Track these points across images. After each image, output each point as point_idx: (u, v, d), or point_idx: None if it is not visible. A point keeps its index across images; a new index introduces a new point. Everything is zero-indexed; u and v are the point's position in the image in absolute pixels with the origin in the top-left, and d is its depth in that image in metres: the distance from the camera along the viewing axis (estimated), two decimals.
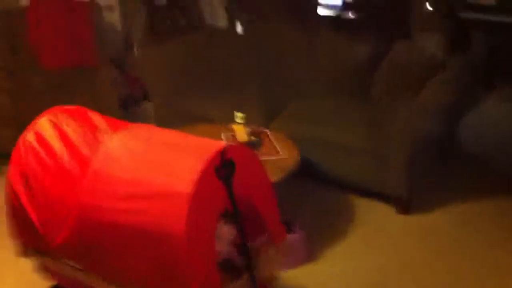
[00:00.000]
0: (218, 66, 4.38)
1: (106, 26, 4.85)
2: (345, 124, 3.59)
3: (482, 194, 3.62)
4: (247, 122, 3.28)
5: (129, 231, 2.02)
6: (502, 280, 2.87)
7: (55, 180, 2.21)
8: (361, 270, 2.93)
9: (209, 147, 2.13)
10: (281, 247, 2.42)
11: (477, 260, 2.99)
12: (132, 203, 2.02)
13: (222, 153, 2.07)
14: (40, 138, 2.29)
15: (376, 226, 3.31)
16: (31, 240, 2.35)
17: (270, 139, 3.32)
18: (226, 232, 2.21)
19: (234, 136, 3.14)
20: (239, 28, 5.61)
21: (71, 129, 2.30)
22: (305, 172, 3.53)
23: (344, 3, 5.72)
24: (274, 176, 2.88)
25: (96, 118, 2.37)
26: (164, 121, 3.86)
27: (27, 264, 2.47)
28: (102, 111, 2.45)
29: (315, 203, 3.55)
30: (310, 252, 2.99)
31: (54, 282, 2.54)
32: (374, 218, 3.39)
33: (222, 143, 2.12)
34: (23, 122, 2.42)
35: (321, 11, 5.74)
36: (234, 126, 3.19)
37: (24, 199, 2.25)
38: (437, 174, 3.84)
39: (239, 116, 3.20)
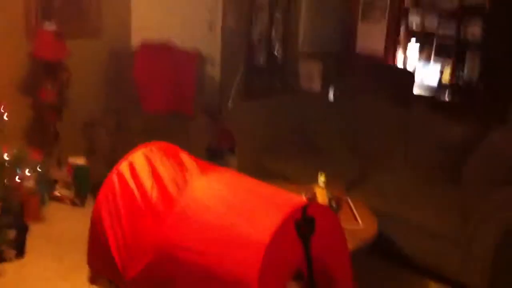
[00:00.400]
0: (307, 129, 4.44)
1: (206, 78, 5.09)
2: (429, 205, 3.49)
3: None
4: (329, 186, 3.27)
5: (202, 272, 2.04)
6: None
7: (140, 214, 2.29)
8: None
9: (291, 201, 2.14)
10: None
11: None
12: (210, 246, 2.05)
13: (304, 209, 2.07)
14: (133, 170, 2.40)
15: None
16: (107, 269, 2.41)
17: (349, 207, 3.27)
18: None
19: (314, 198, 3.13)
20: (332, 95, 5.70)
21: (162, 166, 2.40)
22: (380, 248, 3.45)
23: (440, 85, 5.67)
24: (351, 245, 2.83)
25: (187, 158, 2.47)
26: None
27: None
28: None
29: (386, 281, 3.41)
30: None
31: None
32: None
33: (305, 199, 2.13)
34: (117, 158, 2.53)
35: (416, 91, 5.71)
36: (316, 189, 3.18)
37: (107, 226, 2.34)
38: None
39: (321, 179, 3.20)
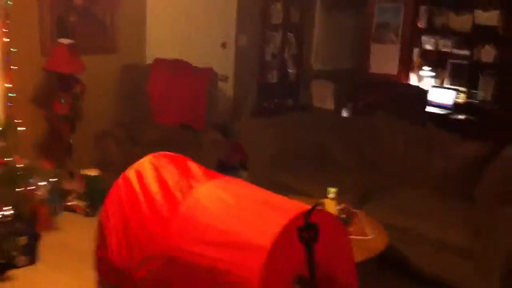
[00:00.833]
0: (320, 146, 4.45)
1: (218, 94, 5.14)
2: (442, 220, 3.46)
3: None
4: (340, 200, 3.26)
5: (205, 275, 2.05)
6: None
7: (145, 219, 2.31)
8: None
9: (295, 207, 2.15)
10: None
11: None
12: (213, 249, 2.06)
13: (307, 214, 2.07)
14: (139, 176, 2.43)
15: None
16: (112, 273, 2.43)
17: (360, 220, 3.26)
18: None
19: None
20: (344, 113, 5.72)
21: (169, 173, 2.42)
22: (391, 261, 3.43)
23: (454, 104, 5.67)
24: (359, 256, 2.82)
25: (194, 167, 2.49)
26: None
27: None
28: None
29: None
30: None
31: None
32: None
33: (308, 206, 2.12)
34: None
35: (431, 109, 5.71)
36: (326, 201, 3.18)
37: (112, 230, 2.36)
38: None
39: (331, 191, 3.19)
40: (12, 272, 3.16)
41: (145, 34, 4.99)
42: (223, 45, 5.63)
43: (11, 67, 3.68)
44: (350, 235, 3.04)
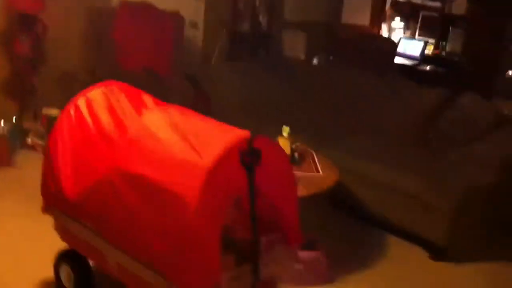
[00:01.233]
0: (284, 93, 4.47)
1: (187, 41, 5.10)
2: (396, 165, 3.51)
3: None
4: (295, 140, 3.30)
5: (148, 196, 2.09)
6: None
7: (93, 142, 2.33)
8: None
9: (238, 133, 2.18)
10: (294, 252, 2.39)
11: None
12: (156, 170, 2.09)
13: (250, 141, 2.10)
14: (89, 104, 2.44)
15: (404, 266, 3.18)
16: (56, 196, 2.44)
17: (313, 160, 3.32)
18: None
19: None
20: (316, 63, 5.73)
21: (119, 101, 2.42)
22: (343, 204, 3.54)
23: (423, 55, 5.70)
24: (307, 190, 2.89)
25: (147, 98, 2.49)
26: None
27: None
28: None
29: (346, 233, 3.47)
30: (329, 275, 2.92)
31: (69, 247, 2.60)
32: (404, 258, 3.26)
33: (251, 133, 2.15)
34: None
35: (399, 60, 5.74)
36: (279, 139, 3.22)
37: (59, 154, 2.38)
38: (489, 234, 3.61)
39: (285, 129, 3.23)
40: None
41: None
42: None
43: None
44: (302, 171, 3.12)
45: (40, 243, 2.93)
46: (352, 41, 5.78)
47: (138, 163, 2.16)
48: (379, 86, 4.40)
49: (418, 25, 5.99)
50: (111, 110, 2.39)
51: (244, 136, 2.12)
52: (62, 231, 2.56)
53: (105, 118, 2.36)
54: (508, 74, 5.50)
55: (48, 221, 2.57)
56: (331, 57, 5.90)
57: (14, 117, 4.18)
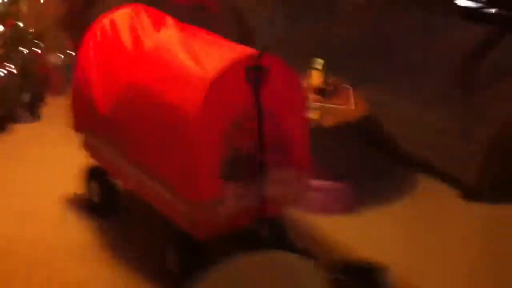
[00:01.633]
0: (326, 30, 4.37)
1: None
2: (432, 103, 3.38)
3: None
4: (331, 75, 3.25)
5: (155, 107, 2.17)
6: None
7: (115, 59, 2.45)
8: (392, 238, 2.78)
9: (246, 49, 2.19)
10: (303, 177, 2.39)
11: None
12: (164, 83, 2.17)
13: (257, 57, 2.11)
14: (113, 24, 2.53)
15: (432, 203, 3.10)
16: (85, 113, 2.60)
17: (348, 94, 3.26)
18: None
19: (307, 80, 3.14)
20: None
21: (142, 22, 2.50)
22: (375, 142, 3.48)
23: None
24: (330, 120, 2.89)
25: (170, 20, 2.54)
26: None
27: None
28: None
29: (375, 168, 3.39)
30: (351, 205, 2.91)
31: (94, 163, 2.75)
32: (433, 195, 3.17)
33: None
34: None
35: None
36: (312, 71, 3.19)
37: (86, 71, 2.51)
38: None
39: (318, 61, 3.19)
40: (13, 126, 3.40)
41: None
42: None
43: None
44: (333, 103, 3.09)
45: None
46: None
47: (149, 76, 2.24)
48: (423, 24, 4.19)
49: None
50: (132, 28, 2.48)
51: (251, 53, 2.14)
52: (90, 148, 2.71)
53: (125, 35, 2.46)
54: None
55: None
56: None
57: (69, 50, 4.38)
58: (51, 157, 3.27)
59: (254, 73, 2.11)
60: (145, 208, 2.46)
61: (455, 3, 5.31)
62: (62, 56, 4.14)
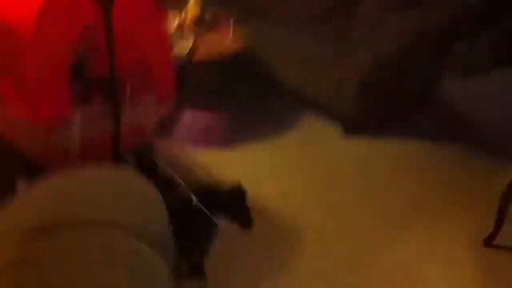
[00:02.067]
0: None
1: None
2: (312, 37, 3.33)
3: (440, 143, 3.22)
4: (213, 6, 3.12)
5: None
6: (431, 218, 2.61)
7: None
8: (271, 168, 2.76)
9: None
10: (166, 107, 2.30)
11: (406, 198, 2.74)
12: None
13: None
14: None
15: (311, 138, 3.11)
16: None
17: (228, 27, 3.14)
18: None
19: (184, 9, 3.01)
20: None
21: None
22: (257, 77, 3.39)
23: None
24: (210, 54, 2.82)
25: None
26: None
27: None
28: None
29: (256, 102, 3.33)
30: (225, 138, 2.85)
31: None
32: (313, 130, 3.18)
33: None
34: None
35: None
36: (190, 2, 3.05)
37: None
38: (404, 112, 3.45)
39: None
40: None
41: None
42: None
43: None
44: (210, 34, 2.99)
45: None
46: None
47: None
48: None
49: None
50: None
51: None
52: None
53: None
54: None
55: None
56: None
57: None
58: None
59: None
60: None
61: None
62: None
